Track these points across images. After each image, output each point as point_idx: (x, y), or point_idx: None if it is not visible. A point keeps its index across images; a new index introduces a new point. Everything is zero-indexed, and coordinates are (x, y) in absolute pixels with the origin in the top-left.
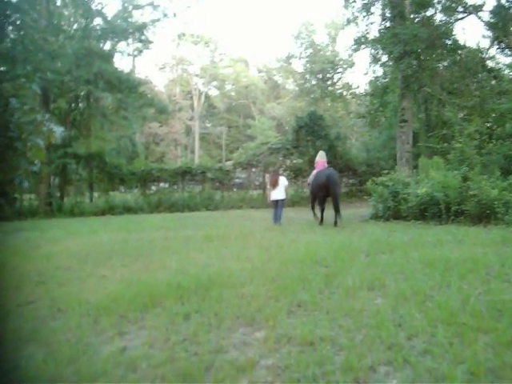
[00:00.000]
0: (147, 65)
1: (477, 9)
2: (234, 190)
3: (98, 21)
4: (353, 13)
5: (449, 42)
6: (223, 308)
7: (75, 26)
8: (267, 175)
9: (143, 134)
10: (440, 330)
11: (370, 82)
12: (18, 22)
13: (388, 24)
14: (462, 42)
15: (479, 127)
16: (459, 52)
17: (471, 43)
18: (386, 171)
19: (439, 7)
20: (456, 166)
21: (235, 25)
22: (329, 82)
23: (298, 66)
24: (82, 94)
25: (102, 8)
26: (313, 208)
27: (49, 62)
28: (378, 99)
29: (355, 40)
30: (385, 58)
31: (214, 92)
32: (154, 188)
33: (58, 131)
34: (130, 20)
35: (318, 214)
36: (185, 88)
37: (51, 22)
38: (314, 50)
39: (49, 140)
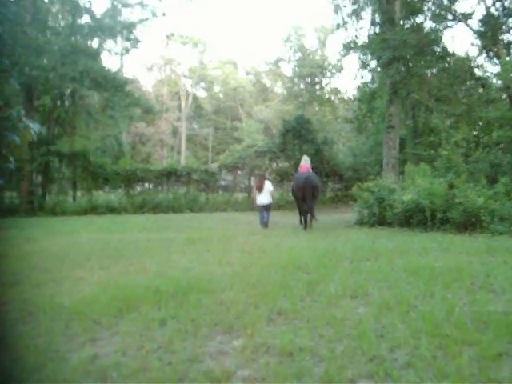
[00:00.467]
0: (135, 64)
1: (466, 17)
2: (220, 192)
3: (85, 18)
4: (342, 18)
5: (438, 49)
6: (201, 314)
7: (62, 23)
8: (253, 178)
9: (129, 134)
10: (423, 341)
11: (359, 88)
12: None
13: (377, 29)
14: (450, 50)
15: (466, 135)
16: (448, 59)
17: (460, 51)
18: (372, 177)
19: (429, 14)
20: (442, 173)
21: (225, 27)
22: (317, 87)
23: (287, 69)
24: (68, 91)
25: (90, 5)
26: (300, 213)
27: (33, 58)
28: (366, 104)
29: (344, 45)
30: (373, 64)
31: (201, 93)
32: (138, 188)
33: (35, 128)
34: (118, 18)
35: (303, 219)
36: (172, 89)
37: (37, 18)
38: (303, 53)
39: (24, 137)
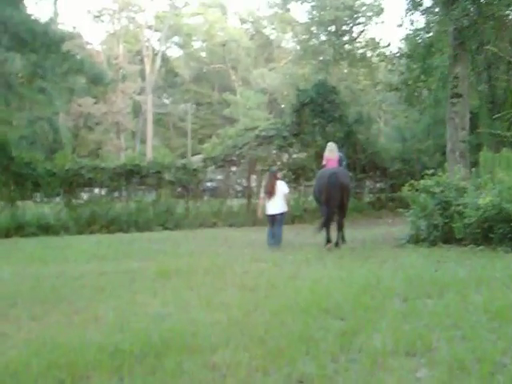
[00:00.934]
0: (75, 11)
1: None
2: (205, 198)
3: None
4: None
5: None
6: None
7: None
8: (254, 177)
9: (70, 116)
10: None
11: (407, 38)
12: None
13: None
14: None
15: None
16: None
17: None
18: (430, 171)
19: None
20: None
21: None
22: (345, 38)
23: (300, 13)
24: None
25: None
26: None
27: None
28: (419, 63)
29: None
30: (429, 2)
31: (175, 52)
32: (84, 196)
33: None
34: None
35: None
36: (132, 46)
37: None
38: None
39: None
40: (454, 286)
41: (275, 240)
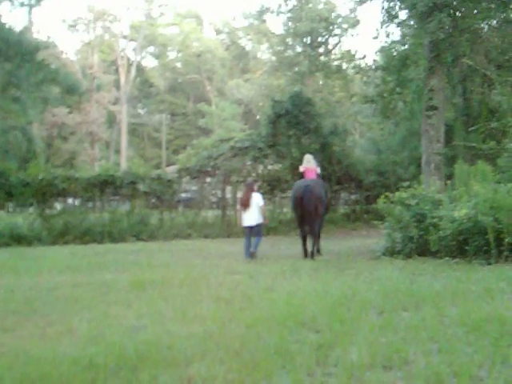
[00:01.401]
0: (50, 20)
1: None
2: (180, 209)
3: None
4: None
5: None
6: None
7: None
8: (229, 188)
9: (44, 125)
10: None
11: (383, 50)
12: None
13: None
14: None
15: None
16: None
17: None
18: (405, 183)
19: None
20: (510, 175)
21: None
22: (321, 50)
23: (276, 25)
24: None
25: None
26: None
27: None
28: (394, 75)
29: None
30: (404, 15)
31: (150, 62)
32: (58, 206)
33: None
34: None
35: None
36: (107, 56)
37: None
38: (300, 0)
39: None
40: (429, 298)
41: (253, 247)
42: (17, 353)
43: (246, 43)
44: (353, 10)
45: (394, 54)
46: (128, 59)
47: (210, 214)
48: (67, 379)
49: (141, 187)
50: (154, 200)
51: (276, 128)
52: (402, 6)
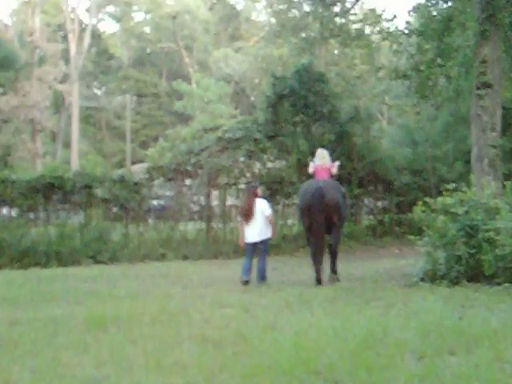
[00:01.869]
0: None
1: None
2: (150, 221)
3: None
4: None
5: None
6: None
7: None
8: (215, 193)
9: None
10: None
11: (419, 10)
12: None
13: None
14: None
15: None
16: None
17: None
18: (450, 185)
19: None
20: None
21: None
22: (337, 9)
23: None
24: None
25: None
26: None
27: None
28: (434, 42)
29: None
30: None
31: (109, 27)
32: None
33: None
34: None
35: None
36: (52, 19)
37: None
38: None
39: None
40: (484, 338)
41: (258, 275)
42: None
43: (237, 1)
44: None
45: (434, 13)
46: (80, 23)
47: (191, 228)
48: None
49: (98, 193)
50: (116, 209)
51: (277, 113)
52: None
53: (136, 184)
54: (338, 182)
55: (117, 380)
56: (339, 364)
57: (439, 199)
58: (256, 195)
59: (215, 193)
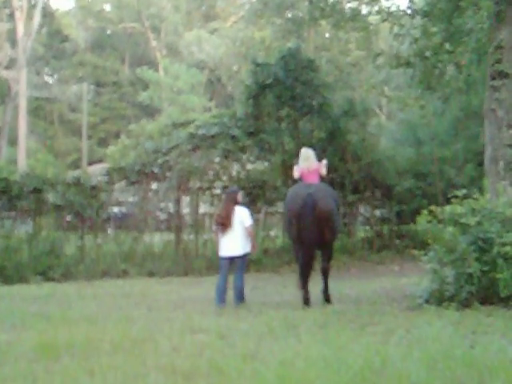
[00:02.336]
0: None
1: None
2: (110, 232)
3: None
4: None
5: None
6: None
7: None
8: (186, 199)
9: None
10: None
11: None
12: None
13: None
14: None
15: None
16: None
17: None
18: (460, 191)
19: None
20: None
21: None
22: None
23: None
24: None
25: None
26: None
27: None
28: (442, 25)
29: None
30: None
31: (63, 4)
32: None
33: None
34: None
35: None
36: None
37: None
38: None
39: None
40: (499, 370)
41: (236, 295)
42: None
43: None
44: None
45: None
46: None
47: (158, 240)
48: None
49: (50, 198)
50: (70, 217)
51: (259, 106)
52: None
53: (93, 188)
54: (330, 186)
55: None
56: None
57: (447, 208)
58: (236, 201)
59: (186, 199)
